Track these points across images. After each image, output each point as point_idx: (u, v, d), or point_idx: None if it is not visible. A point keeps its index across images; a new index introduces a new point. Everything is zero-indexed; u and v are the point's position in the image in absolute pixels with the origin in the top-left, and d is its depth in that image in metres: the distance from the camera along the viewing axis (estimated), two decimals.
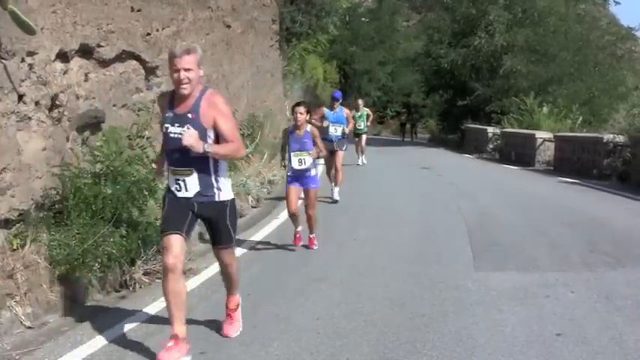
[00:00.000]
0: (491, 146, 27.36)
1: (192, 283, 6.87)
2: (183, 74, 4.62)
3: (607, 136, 18.08)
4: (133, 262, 6.76)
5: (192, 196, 4.83)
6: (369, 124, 20.86)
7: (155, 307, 6.04)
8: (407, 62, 46.26)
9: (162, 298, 6.21)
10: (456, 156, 27.14)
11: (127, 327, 5.51)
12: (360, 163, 20.24)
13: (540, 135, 22.51)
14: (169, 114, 4.80)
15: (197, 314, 5.87)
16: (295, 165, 8.33)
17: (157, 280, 6.82)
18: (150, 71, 9.11)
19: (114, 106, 8.11)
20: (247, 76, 15.78)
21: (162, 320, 5.69)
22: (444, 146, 33.56)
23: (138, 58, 8.79)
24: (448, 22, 33.80)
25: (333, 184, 12.76)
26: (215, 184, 4.86)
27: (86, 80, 7.51)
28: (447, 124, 37.86)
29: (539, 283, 6.67)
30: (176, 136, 4.71)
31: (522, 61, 29.49)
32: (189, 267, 7.29)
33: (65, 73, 6.94)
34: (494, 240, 8.84)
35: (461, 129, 32.67)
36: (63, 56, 6.87)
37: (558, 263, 7.57)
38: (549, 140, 21.83)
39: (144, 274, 6.78)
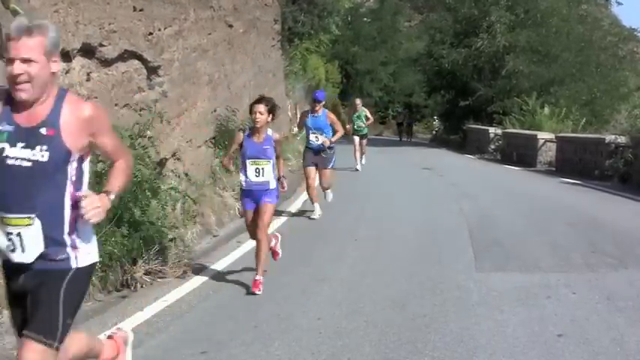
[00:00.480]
0: (492, 147, 27.34)
1: (194, 282, 6.88)
2: (19, 67, 2.97)
3: (609, 137, 18.05)
4: (134, 262, 6.77)
5: (31, 260, 3.09)
6: (367, 122, 19.08)
7: (156, 307, 6.05)
8: (409, 62, 46.22)
9: (164, 298, 6.27)
10: (458, 156, 27.11)
11: (128, 326, 5.50)
12: (358, 168, 18.36)
13: (542, 136, 22.50)
14: (6, 127, 3.05)
15: (198, 314, 5.89)
16: (251, 176, 6.79)
17: (158, 280, 6.84)
18: (152, 71, 9.12)
19: (116, 105, 8.11)
20: (249, 75, 15.76)
21: (163, 320, 5.71)
22: (446, 146, 33.53)
23: (140, 58, 8.79)
24: (450, 22, 33.78)
25: (319, 198, 11.24)
26: (69, 241, 3.15)
27: (88, 80, 7.51)
28: (448, 124, 37.85)
29: (541, 284, 6.66)
30: (18, 162, 3.01)
31: (524, 62, 29.47)
32: (190, 266, 7.30)
33: (67, 72, 6.95)
34: (496, 240, 8.83)
35: (462, 129, 32.65)
36: (65, 55, 6.87)
37: (560, 264, 7.56)
38: (551, 141, 21.81)
39: (145, 274, 6.78)
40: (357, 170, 18.09)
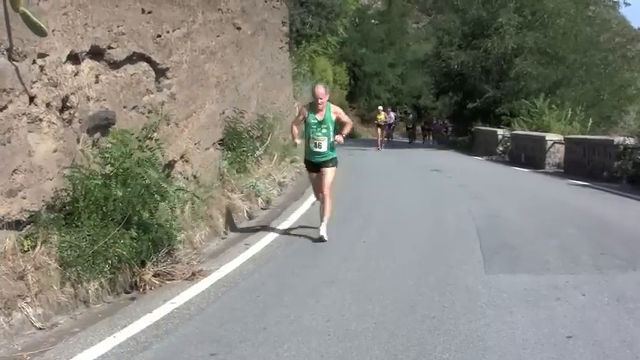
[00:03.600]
0: (501, 148, 27.29)
1: (202, 284, 6.88)
2: None
3: (617, 139, 17.98)
4: (143, 264, 6.77)
5: None
6: (339, 138, 9.02)
7: (165, 308, 6.06)
8: (417, 64, 46.06)
9: (172, 300, 6.28)
10: (466, 158, 27.08)
11: (137, 328, 5.52)
12: (322, 233, 8.90)
13: (550, 137, 22.42)
14: None
15: (207, 316, 5.89)
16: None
17: (166, 282, 6.84)
18: (160, 73, 9.13)
19: (124, 107, 8.13)
20: (257, 77, 15.79)
21: (172, 322, 5.72)
22: (454, 148, 33.50)
23: (148, 60, 8.81)
24: (458, 24, 33.73)
25: None
26: None
27: (97, 82, 7.53)
28: (456, 125, 37.83)
29: (550, 286, 6.64)
30: None
31: (532, 64, 29.43)
32: (199, 268, 7.31)
33: (76, 74, 6.96)
34: (505, 242, 8.81)
35: (470, 131, 32.62)
36: (74, 58, 6.89)
37: (569, 265, 7.53)
38: (559, 142, 21.74)
39: (154, 276, 6.79)
40: (323, 239, 8.86)
